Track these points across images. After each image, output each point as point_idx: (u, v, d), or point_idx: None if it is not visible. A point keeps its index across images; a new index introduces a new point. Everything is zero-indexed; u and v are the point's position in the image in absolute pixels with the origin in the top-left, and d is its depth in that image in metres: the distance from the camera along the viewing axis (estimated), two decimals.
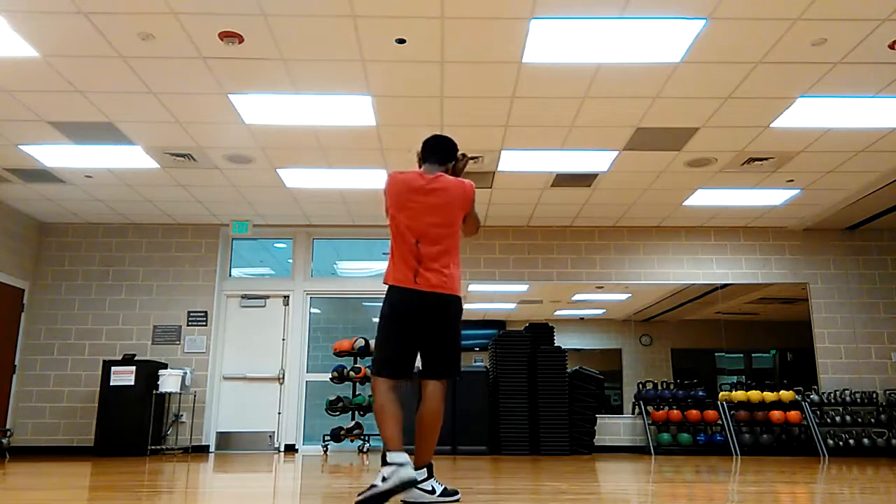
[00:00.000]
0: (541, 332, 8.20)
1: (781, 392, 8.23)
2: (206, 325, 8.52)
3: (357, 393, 8.18)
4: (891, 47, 4.68)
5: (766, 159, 6.66)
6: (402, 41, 4.65)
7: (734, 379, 8.67)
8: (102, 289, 8.59)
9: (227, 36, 4.55)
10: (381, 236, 8.98)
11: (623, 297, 8.85)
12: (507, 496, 3.27)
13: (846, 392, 8.31)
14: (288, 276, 8.95)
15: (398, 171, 3.32)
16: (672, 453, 8.05)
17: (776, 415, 8.05)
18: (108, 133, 6.11)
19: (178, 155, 6.62)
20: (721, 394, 8.35)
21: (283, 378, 8.59)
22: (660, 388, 8.37)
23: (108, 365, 7.77)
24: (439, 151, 3.39)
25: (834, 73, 5.04)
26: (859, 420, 8.13)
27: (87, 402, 8.24)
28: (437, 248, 3.17)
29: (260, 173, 7.10)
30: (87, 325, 8.47)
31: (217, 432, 8.46)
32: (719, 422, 8.17)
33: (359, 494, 2.82)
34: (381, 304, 3.20)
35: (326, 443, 7.96)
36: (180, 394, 8.18)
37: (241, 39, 4.59)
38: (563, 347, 8.07)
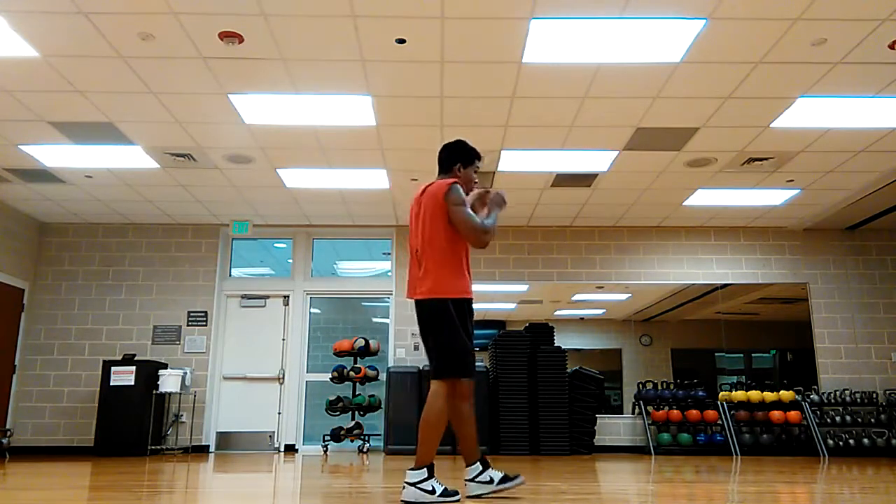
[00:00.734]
0: (541, 332, 8.20)
1: (781, 392, 8.23)
2: (206, 325, 8.52)
3: (357, 393, 8.18)
4: (891, 47, 4.68)
5: (766, 159, 6.66)
6: (402, 41, 4.65)
7: (734, 379, 8.66)
8: (102, 289, 8.59)
9: (227, 36, 4.55)
10: (380, 236, 8.98)
11: (623, 297, 8.85)
12: (507, 496, 3.28)
13: (846, 392, 8.31)
14: (288, 276, 8.95)
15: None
16: (672, 453, 8.05)
17: (776, 415, 8.05)
18: (108, 133, 6.11)
19: (178, 155, 6.62)
20: (721, 394, 8.35)
21: (283, 378, 8.59)
22: (660, 388, 8.37)
23: (108, 365, 7.77)
24: (439, 162, 3.50)
25: (834, 73, 5.04)
26: (859, 420, 8.13)
27: (87, 402, 8.24)
28: (426, 255, 3.27)
29: (260, 173, 7.10)
30: (87, 325, 8.47)
31: (217, 432, 8.46)
32: (719, 422, 8.17)
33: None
34: (380, 304, 3.26)
35: (326, 443, 7.96)
36: (180, 394, 8.18)
37: (241, 39, 4.59)
38: (563, 347, 8.06)
